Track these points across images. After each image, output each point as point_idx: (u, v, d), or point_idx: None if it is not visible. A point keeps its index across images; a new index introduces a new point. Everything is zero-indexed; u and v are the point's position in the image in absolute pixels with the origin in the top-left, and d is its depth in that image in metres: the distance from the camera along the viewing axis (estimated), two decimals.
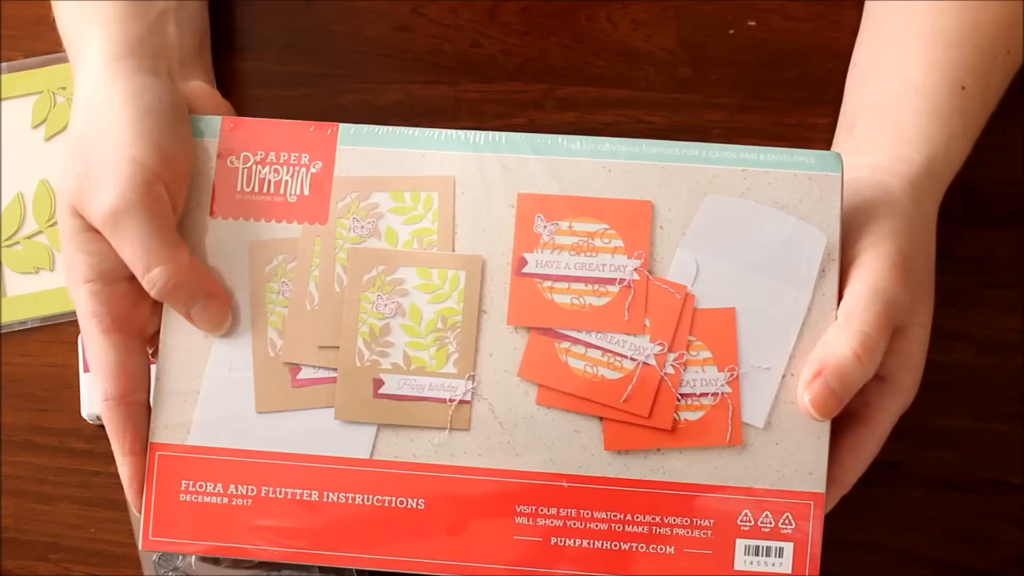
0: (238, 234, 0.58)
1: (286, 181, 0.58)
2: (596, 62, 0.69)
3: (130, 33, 0.59)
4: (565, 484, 0.56)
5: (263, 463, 0.57)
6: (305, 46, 0.70)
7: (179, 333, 0.57)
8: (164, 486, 0.57)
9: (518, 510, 0.56)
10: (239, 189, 0.58)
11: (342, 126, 0.58)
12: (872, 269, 0.55)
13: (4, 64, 0.69)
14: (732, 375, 0.56)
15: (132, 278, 0.57)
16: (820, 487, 0.55)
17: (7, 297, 0.67)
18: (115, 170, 0.55)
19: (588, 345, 0.56)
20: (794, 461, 0.55)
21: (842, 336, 0.54)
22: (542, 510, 0.56)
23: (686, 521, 0.55)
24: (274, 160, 0.58)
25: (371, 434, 0.56)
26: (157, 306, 0.58)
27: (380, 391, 0.57)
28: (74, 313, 0.66)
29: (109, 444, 0.65)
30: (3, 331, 0.67)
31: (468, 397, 0.56)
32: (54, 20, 0.66)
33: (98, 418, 0.64)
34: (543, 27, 0.70)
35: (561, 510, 0.56)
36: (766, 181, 0.57)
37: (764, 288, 0.56)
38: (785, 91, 0.69)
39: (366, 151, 0.58)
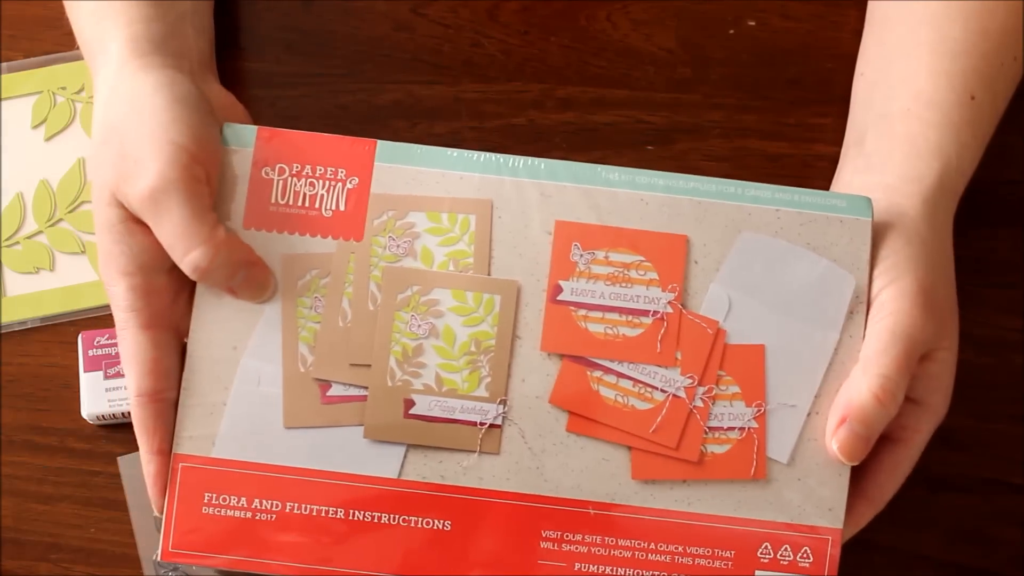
0: (271, 247, 0.57)
1: (322, 195, 0.58)
2: (596, 62, 0.69)
3: (154, 32, 0.60)
4: (592, 511, 0.56)
5: (288, 479, 0.56)
6: (305, 46, 0.70)
7: (208, 344, 0.57)
8: (186, 498, 0.56)
9: (544, 535, 0.56)
10: (273, 201, 0.58)
11: (380, 143, 0.58)
12: (893, 309, 0.56)
13: (4, 64, 0.69)
14: (759, 411, 0.57)
15: (170, 271, 0.57)
16: (838, 523, 0.56)
17: (7, 297, 0.67)
18: (153, 152, 0.55)
19: (620, 375, 0.57)
20: (815, 497, 0.56)
21: (863, 380, 0.55)
22: (567, 536, 0.56)
23: (708, 552, 0.56)
24: (310, 173, 0.58)
25: (400, 454, 0.56)
26: (192, 302, 0.57)
27: (411, 411, 0.57)
28: (74, 313, 0.66)
29: (109, 444, 0.65)
30: (3, 331, 0.67)
31: (499, 421, 0.56)
32: (54, 20, 0.67)
33: (99, 418, 0.64)
34: (543, 27, 0.70)
35: (587, 536, 0.56)
36: (799, 222, 0.57)
37: (793, 327, 0.57)
38: (785, 91, 0.69)
39: (404, 169, 0.58)
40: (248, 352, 0.57)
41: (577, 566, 0.56)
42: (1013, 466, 0.65)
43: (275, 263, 0.57)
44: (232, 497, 0.56)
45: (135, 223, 0.56)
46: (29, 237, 0.68)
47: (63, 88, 0.69)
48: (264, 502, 0.56)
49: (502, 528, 0.56)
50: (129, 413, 0.64)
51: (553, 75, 0.69)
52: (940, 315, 0.57)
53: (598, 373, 0.57)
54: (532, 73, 0.69)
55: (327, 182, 0.58)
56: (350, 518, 0.56)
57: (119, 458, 0.65)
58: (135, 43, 0.59)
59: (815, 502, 0.56)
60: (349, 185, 0.58)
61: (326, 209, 0.58)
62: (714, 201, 0.58)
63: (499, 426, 0.56)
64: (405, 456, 0.56)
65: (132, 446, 0.65)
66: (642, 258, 0.57)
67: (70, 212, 0.68)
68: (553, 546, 0.56)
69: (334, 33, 0.70)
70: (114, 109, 0.57)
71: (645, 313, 0.57)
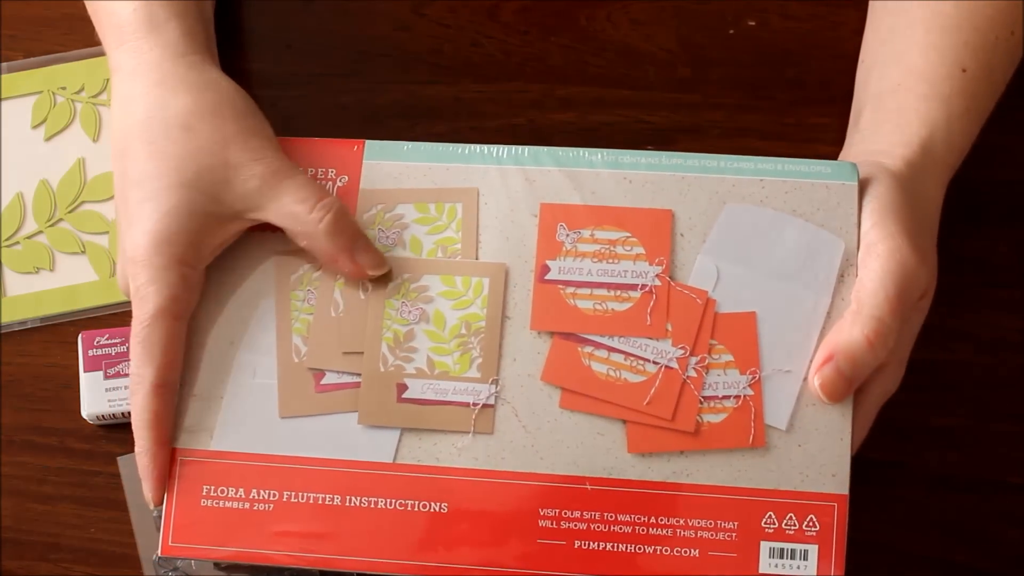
0: (266, 246, 0.58)
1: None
2: (596, 62, 0.69)
3: (207, 33, 0.62)
4: (588, 487, 0.56)
5: (285, 468, 0.56)
6: (305, 46, 0.70)
7: (204, 339, 0.57)
8: (185, 491, 0.56)
9: (542, 513, 0.56)
10: None
11: (368, 142, 0.59)
12: (881, 250, 0.55)
13: (4, 64, 0.70)
14: (754, 378, 0.56)
15: (203, 271, 0.57)
16: (843, 488, 0.55)
17: (7, 297, 0.67)
18: (262, 142, 0.57)
19: (611, 349, 0.57)
20: (817, 463, 0.56)
21: (855, 321, 0.55)
22: (565, 513, 0.56)
23: (710, 524, 0.56)
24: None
25: (394, 438, 0.56)
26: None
27: (404, 396, 0.57)
28: (74, 313, 0.66)
29: (109, 444, 0.65)
30: (3, 331, 0.67)
31: (492, 401, 0.57)
32: (54, 20, 0.67)
33: (98, 418, 0.64)
34: (543, 27, 0.70)
35: (585, 513, 0.56)
36: (784, 190, 0.57)
37: (784, 293, 0.57)
38: (785, 91, 0.69)
39: (392, 165, 0.59)
40: (243, 346, 0.57)
41: (577, 543, 0.56)
42: (1013, 466, 0.65)
43: (268, 262, 0.58)
44: (230, 489, 0.56)
45: (213, 216, 0.56)
46: (29, 237, 0.68)
47: (63, 88, 0.69)
48: (262, 492, 0.56)
49: (499, 508, 0.56)
50: (129, 413, 0.64)
51: (553, 75, 0.69)
52: (928, 261, 0.56)
53: (589, 348, 0.57)
54: (532, 73, 0.69)
55: (318, 182, 0.58)
56: (347, 504, 0.56)
57: (119, 458, 0.65)
58: (194, 37, 0.60)
59: (817, 468, 0.56)
60: (339, 183, 0.59)
61: None
62: (697, 175, 0.58)
63: (492, 406, 0.56)
64: (400, 440, 0.56)
65: (132, 446, 0.65)
66: (628, 234, 0.58)
67: (70, 212, 0.68)
68: (552, 524, 0.56)
69: (334, 33, 0.70)
70: (193, 97, 0.57)
71: (633, 287, 0.57)
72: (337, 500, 0.56)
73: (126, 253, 0.57)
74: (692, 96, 0.69)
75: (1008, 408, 0.65)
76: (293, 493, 0.56)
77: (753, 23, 0.70)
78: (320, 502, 0.56)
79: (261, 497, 0.56)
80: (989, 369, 0.65)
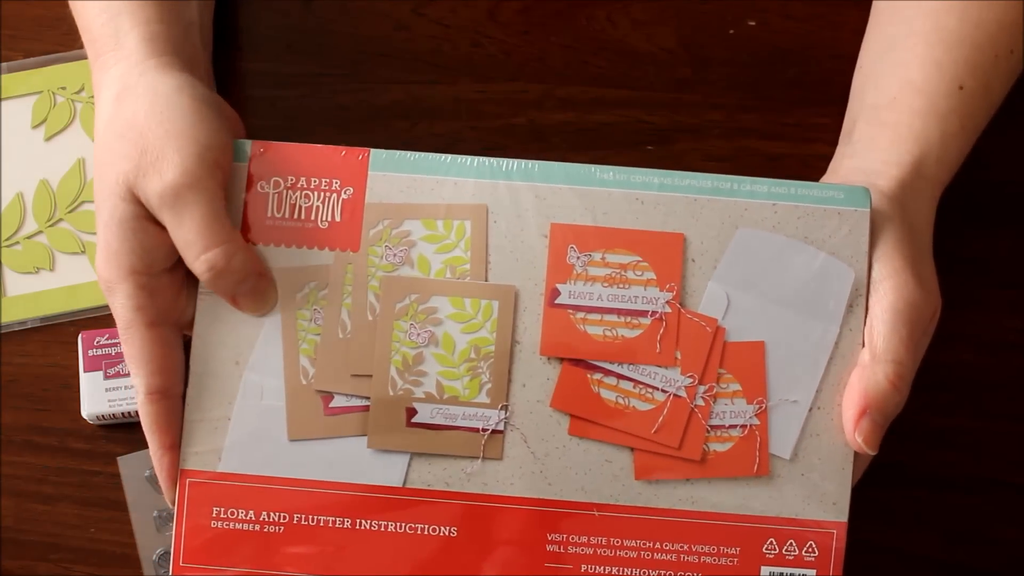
0: (269, 260, 0.57)
1: (317, 207, 0.58)
2: (596, 62, 0.69)
3: (171, 36, 0.60)
4: (596, 513, 0.56)
5: (295, 490, 0.56)
6: (305, 46, 0.70)
7: (210, 360, 0.57)
8: (195, 512, 0.56)
9: (549, 538, 0.56)
10: (270, 215, 0.58)
11: (373, 152, 0.58)
12: (890, 287, 0.56)
13: (4, 64, 0.70)
14: (760, 407, 0.57)
15: (172, 269, 0.57)
16: (843, 516, 0.56)
17: (7, 297, 0.67)
18: (179, 148, 0.55)
19: (620, 377, 0.57)
20: (819, 492, 0.56)
21: (877, 369, 0.55)
22: (573, 538, 0.56)
23: (713, 549, 0.56)
24: (305, 185, 0.58)
25: (404, 462, 0.56)
26: (191, 296, 0.57)
27: (413, 420, 0.57)
28: (74, 313, 0.66)
29: (109, 444, 0.65)
30: (3, 331, 0.67)
31: (501, 427, 0.57)
32: (54, 20, 0.67)
33: (98, 418, 0.64)
34: (543, 27, 0.70)
35: (591, 538, 0.56)
36: (796, 215, 0.57)
37: (793, 322, 0.57)
38: (785, 91, 0.69)
39: (398, 177, 0.58)
40: (250, 366, 0.57)
41: (583, 567, 0.56)
42: (1013, 466, 0.65)
43: (273, 276, 0.57)
44: (240, 510, 0.56)
45: (147, 220, 0.56)
46: (29, 237, 0.68)
47: (63, 88, 0.69)
48: (272, 514, 0.56)
49: (508, 533, 0.56)
50: (129, 413, 0.64)
51: (553, 75, 0.69)
52: (929, 286, 0.57)
53: (598, 375, 0.57)
54: (532, 73, 0.69)
55: (322, 193, 0.58)
56: (357, 527, 0.56)
57: (119, 458, 0.65)
58: (153, 42, 0.59)
59: (819, 497, 0.56)
60: (344, 195, 0.58)
61: (322, 220, 0.58)
62: (710, 198, 0.57)
63: (501, 431, 0.56)
64: (409, 464, 0.56)
65: (132, 446, 0.65)
66: (639, 258, 0.57)
67: (70, 212, 0.68)
68: (559, 548, 0.56)
69: (334, 33, 0.70)
70: (132, 104, 0.57)
71: (644, 314, 0.57)
72: (347, 523, 0.56)
73: None
74: (692, 96, 0.69)
75: (1008, 408, 0.65)
76: (303, 516, 0.56)
77: (753, 23, 0.70)
78: (330, 525, 0.56)
79: (271, 519, 0.56)
80: (989, 369, 0.65)
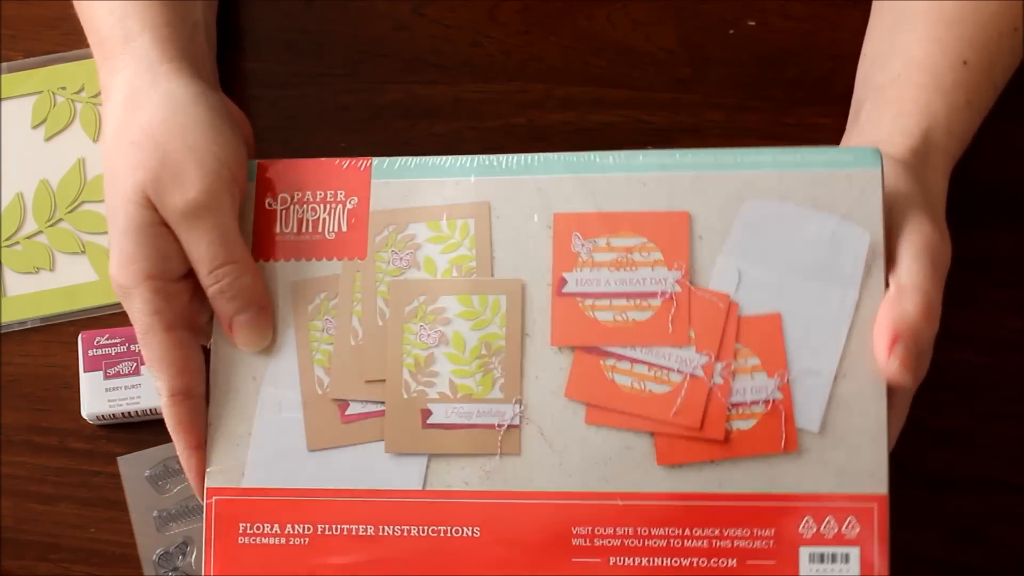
0: (280, 275, 0.58)
1: (323, 219, 0.58)
2: (596, 62, 0.69)
3: (180, 39, 0.60)
4: (620, 502, 0.55)
5: (317, 501, 0.56)
6: (305, 46, 0.70)
7: (228, 377, 0.57)
8: (223, 530, 0.56)
9: (574, 532, 0.55)
10: (279, 231, 0.58)
11: (375, 160, 0.58)
12: (909, 230, 0.55)
13: (4, 64, 0.70)
14: (782, 381, 0.55)
15: (187, 275, 0.57)
16: (882, 488, 0.54)
17: (7, 297, 0.67)
18: (199, 164, 0.55)
19: (634, 361, 0.56)
20: (853, 463, 0.54)
21: (905, 299, 0.53)
22: (598, 530, 0.55)
23: (746, 532, 0.55)
24: (311, 199, 0.58)
25: (422, 465, 0.56)
26: (206, 301, 0.57)
27: (428, 421, 0.56)
28: (74, 313, 0.66)
29: (109, 444, 0.65)
30: (3, 331, 0.67)
31: (516, 421, 0.56)
32: (54, 20, 0.67)
33: (98, 418, 0.64)
34: (543, 27, 0.70)
35: (618, 529, 0.55)
36: (804, 182, 0.56)
37: (809, 291, 0.55)
38: (785, 91, 0.69)
39: (400, 183, 0.58)
40: (267, 380, 0.57)
41: (612, 560, 0.55)
42: (1013, 466, 0.65)
43: (284, 291, 0.57)
44: (266, 525, 0.56)
45: (163, 227, 0.56)
46: (29, 237, 0.68)
47: (63, 88, 0.69)
48: (296, 527, 0.56)
49: (532, 529, 0.55)
50: (129, 413, 0.64)
51: (553, 75, 0.69)
52: (947, 239, 0.56)
53: (611, 361, 0.56)
54: (532, 73, 0.69)
55: (328, 205, 0.58)
56: (380, 534, 0.56)
57: (119, 458, 0.65)
58: (163, 46, 0.59)
59: (854, 468, 0.54)
60: (349, 205, 0.58)
61: (329, 232, 0.58)
62: (713, 173, 0.56)
63: (517, 426, 0.56)
64: (427, 466, 0.56)
65: (132, 446, 0.65)
66: (644, 239, 0.56)
67: (70, 212, 0.68)
68: (585, 542, 0.55)
69: (334, 33, 0.70)
70: (148, 112, 0.57)
71: (653, 295, 0.56)
72: (370, 530, 0.56)
73: None
74: (692, 96, 0.69)
75: (1008, 408, 0.65)
76: (327, 526, 0.56)
77: (753, 23, 0.70)
78: (354, 533, 0.56)
79: (296, 532, 0.56)
80: (989, 369, 0.65)
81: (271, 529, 0.56)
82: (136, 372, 0.64)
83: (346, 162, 0.58)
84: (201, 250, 0.55)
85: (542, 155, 0.57)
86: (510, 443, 0.56)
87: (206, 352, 0.58)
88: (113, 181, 0.57)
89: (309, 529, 0.56)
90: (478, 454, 0.56)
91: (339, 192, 0.58)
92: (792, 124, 0.68)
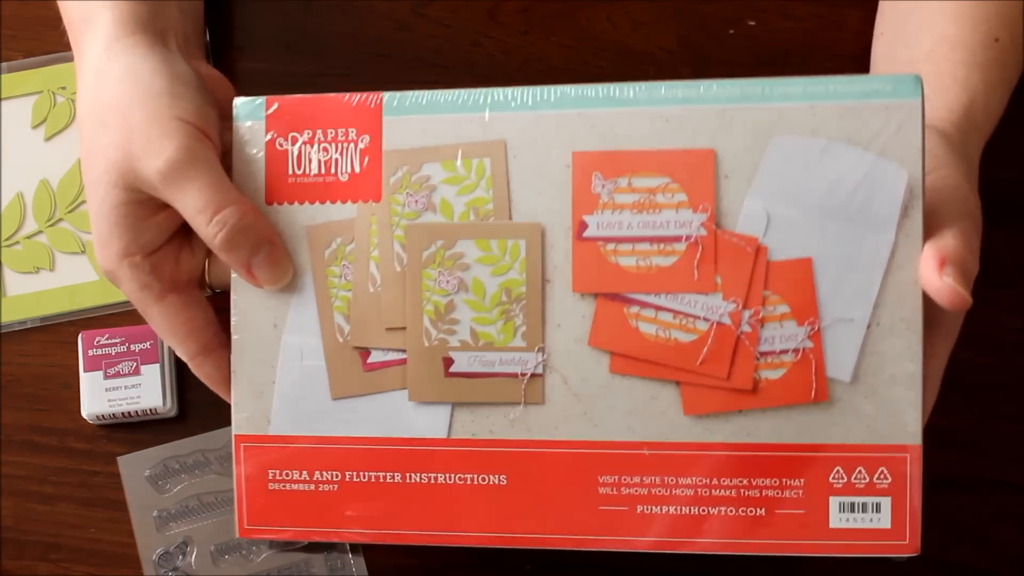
0: (295, 219, 0.57)
1: (336, 159, 0.57)
2: (596, 62, 0.69)
3: (140, 10, 0.59)
4: (646, 452, 0.55)
5: (344, 448, 0.56)
6: (305, 46, 0.70)
7: (249, 327, 0.57)
8: (253, 476, 0.57)
9: (601, 480, 0.55)
10: (291, 172, 0.57)
11: (386, 95, 0.57)
12: (950, 192, 0.54)
13: (4, 64, 0.70)
14: (813, 329, 0.53)
15: (166, 242, 0.57)
16: (916, 439, 0.53)
17: (7, 297, 0.67)
18: (165, 131, 0.55)
19: (658, 308, 0.54)
20: (885, 413, 0.53)
21: (947, 233, 0.52)
22: (625, 479, 0.55)
23: (775, 482, 0.54)
24: (322, 138, 0.57)
25: (446, 413, 0.56)
26: (198, 252, 0.58)
27: (451, 370, 0.56)
28: (74, 313, 0.66)
29: (109, 444, 0.65)
30: (3, 331, 0.67)
31: (540, 370, 0.55)
32: (54, 20, 0.66)
33: (98, 418, 0.64)
34: (543, 27, 0.70)
35: (645, 478, 0.55)
36: (837, 115, 0.53)
37: (842, 234, 0.53)
38: None
39: (412, 120, 0.56)
40: (288, 328, 0.57)
41: (640, 508, 0.55)
42: (1013, 466, 0.65)
43: (300, 235, 0.57)
44: (295, 472, 0.57)
45: (138, 205, 0.56)
46: (29, 237, 0.68)
47: (63, 88, 0.69)
48: (325, 473, 0.56)
49: (558, 478, 0.55)
50: (129, 413, 0.64)
51: (553, 75, 0.69)
52: (981, 213, 0.55)
53: (635, 309, 0.54)
54: (532, 73, 0.69)
55: (339, 144, 0.57)
56: (407, 481, 0.56)
57: (119, 458, 0.65)
58: (123, 21, 0.58)
59: (886, 419, 0.53)
60: (361, 144, 0.57)
61: (342, 173, 0.57)
62: (740, 106, 0.54)
63: (540, 375, 0.55)
64: (452, 415, 0.56)
65: (132, 446, 0.65)
66: (668, 179, 0.54)
67: (70, 212, 0.68)
68: (612, 491, 0.55)
69: (334, 33, 0.70)
70: (110, 89, 0.56)
71: (678, 239, 0.54)
72: (397, 477, 0.56)
73: None
74: None
75: (1008, 408, 0.65)
76: (354, 473, 0.56)
77: (753, 23, 0.70)
78: (382, 480, 0.56)
79: (325, 478, 0.56)
80: (989, 369, 0.65)
81: (300, 476, 0.57)
82: (136, 372, 0.64)
83: (356, 97, 0.57)
84: (195, 200, 0.54)
85: (558, 88, 0.55)
86: (533, 392, 0.55)
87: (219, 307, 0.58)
88: (87, 165, 0.57)
89: (337, 476, 0.56)
90: (502, 403, 0.56)
91: (350, 130, 0.57)
92: None
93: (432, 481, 0.56)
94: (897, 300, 0.53)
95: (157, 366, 0.64)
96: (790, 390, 0.54)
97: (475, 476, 0.56)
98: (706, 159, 0.54)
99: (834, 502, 0.54)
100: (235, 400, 0.57)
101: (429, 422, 0.56)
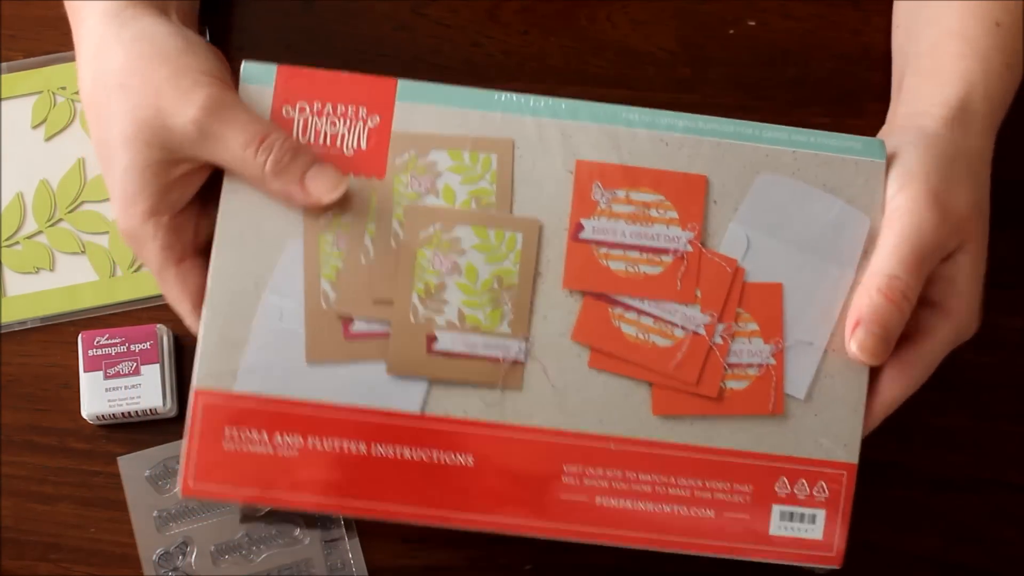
0: None
1: (343, 134, 0.57)
2: (596, 62, 0.69)
3: None
4: (612, 447, 0.57)
5: (310, 414, 0.56)
6: (305, 46, 0.70)
7: (229, 279, 0.56)
8: (207, 433, 0.56)
9: (565, 470, 0.56)
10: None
11: (401, 81, 0.58)
12: (902, 212, 0.57)
13: (4, 64, 0.69)
14: (777, 348, 0.57)
15: (188, 206, 0.57)
16: (854, 458, 0.57)
17: (7, 297, 0.67)
18: (195, 80, 0.55)
19: (641, 312, 0.57)
20: (831, 432, 0.57)
21: (870, 283, 0.56)
22: (589, 470, 0.57)
23: (727, 486, 0.57)
24: (331, 112, 0.57)
25: (423, 390, 0.56)
26: (206, 224, 0.57)
27: (434, 347, 0.57)
28: (74, 313, 0.66)
29: (109, 444, 0.65)
30: (3, 331, 0.67)
31: (522, 358, 0.57)
32: (54, 20, 0.67)
33: (98, 418, 0.64)
34: (543, 27, 0.70)
35: (607, 471, 0.57)
36: (816, 163, 0.58)
37: (810, 266, 0.58)
38: (785, 91, 0.69)
39: (425, 108, 0.58)
40: (270, 288, 0.56)
41: (598, 500, 0.56)
42: (1013, 466, 0.65)
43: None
44: (253, 431, 0.56)
45: (168, 164, 0.56)
46: (29, 237, 0.68)
47: (63, 88, 0.69)
48: (286, 437, 0.56)
49: (524, 463, 0.56)
50: (129, 413, 0.64)
51: (553, 75, 0.69)
52: (956, 219, 0.57)
53: (619, 310, 0.57)
54: (532, 73, 0.69)
55: (348, 120, 0.57)
56: (372, 453, 0.56)
57: (119, 458, 0.65)
58: None
59: (831, 437, 0.57)
60: (370, 124, 0.57)
61: (347, 148, 0.57)
62: (733, 142, 0.58)
63: (522, 362, 0.57)
64: (428, 391, 0.56)
65: (132, 446, 0.65)
66: (662, 197, 0.58)
67: (70, 212, 0.68)
68: (574, 481, 0.56)
69: (334, 33, 0.70)
70: (124, 53, 0.56)
71: (665, 251, 0.58)
72: (362, 448, 0.56)
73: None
74: (692, 96, 0.69)
75: (1008, 408, 0.65)
76: (318, 440, 0.56)
77: (753, 23, 0.70)
78: (344, 449, 0.56)
79: (285, 442, 0.56)
80: (989, 369, 0.65)
81: (259, 437, 0.56)
82: (136, 372, 0.64)
83: (371, 79, 0.58)
84: (237, 137, 0.55)
85: (569, 101, 0.58)
86: (513, 378, 0.57)
87: None
88: (105, 128, 0.57)
89: (299, 442, 0.56)
90: (480, 385, 0.56)
91: (361, 108, 0.58)
92: (792, 124, 0.68)
93: (398, 456, 0.56)
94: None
95: (157, 366, 0.64)
96: (751, 401, 0.57)
97: (442, 454, 0.56)
98: (698, 183, 0.58)
99: (776, 510, 0.57)
100: (201, 352, 0.56)
101: (404, 396, 0.56)
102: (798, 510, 0.57)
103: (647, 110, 0.58)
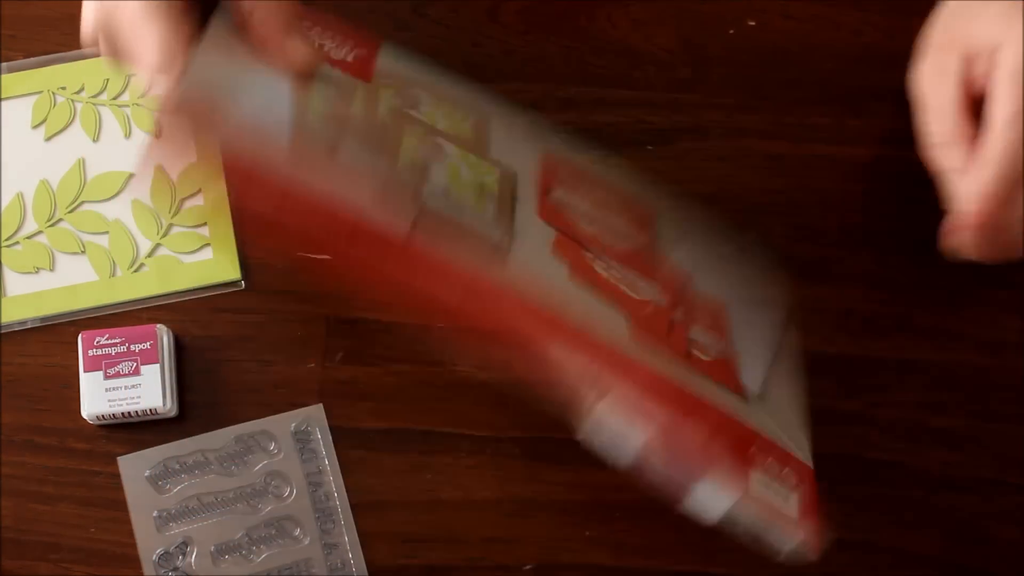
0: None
1: (331, 47, 0.57)
2: (596, 62, 0.69)
3: None
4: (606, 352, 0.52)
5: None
6: None
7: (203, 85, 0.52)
8: None
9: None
10: None
11: (385, 45, 0.59)
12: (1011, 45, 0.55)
13: (4, 64, 0.69)
14: (730, 348, 0.57)
15: None
16: (809, 463, 0.55)
17: (7, 297, 0.67)
18: None
19: (610, 266, 0.56)
20: (788, 432, 0.55)
21: (971, 176, 0.55)
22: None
23: (706, 429, 0.52)
24: (320, 33, 0.57)
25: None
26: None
27: (420, 198, 0.53)
28: (74, 313, 0.66)
29: (109, 444, 0.65)
30: (3, 331, 0.67)
31: (504, 246, 0.54)
32: (54, 20, 0.67)
33: (98, 418, 0.64)
34: (543, 27, 0.70)
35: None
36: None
37: (743, 310, 0.59)
38: (785, 91, 0.69)
39: (407, 67, 0.59)
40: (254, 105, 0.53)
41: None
42: (1013, 466, 0.64)
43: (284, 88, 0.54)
44: None
45: None
46: (29, 237, 0.68)
47: (63, 88, 0.69)
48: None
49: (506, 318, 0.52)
50: (129, 413, 0.64)
51: (553, 75, 0.69)
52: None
53: (591, 255, 0.56)
54: (532, 73, 0.69)
55: (336, 43, 0.57)
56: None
57: (119, 458, 0.65)
58: None
59: (789, 436, 0.55)
60: (357, 53, 0.58)
61: (334, 56, 0.57)
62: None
63: (507, 251, 0.54)
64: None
65: (132, 446, 0.65)
66: (620, 211, 0.59)
67: (70, 212, 0.68)
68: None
69: None
70: None
71: (625, 238, 0.58)
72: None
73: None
74: (692, 96, 0.69)
75: (1008, 408, 0.65)
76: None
77: (753, 23, 0.70)
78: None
79: None
80: (989, 369, 0.65)
81: None
82: (136, 372, 0.64)
83: (359, 29, 0.58)
84: None
85: (542, 127, 0.60)
86: (499, 258, 0.53)
87: None
88: None
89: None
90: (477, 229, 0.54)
91: (348, 42, 0.58)
92: (792, 124, 0.68)
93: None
94: (785, 378, 0.58)
95: (157, 366, 0.64)
96: (718, 371, 0.55)
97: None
98: (648, 214, 0.59)
99: (755, 475, 0.52)
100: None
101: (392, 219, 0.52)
102: (775, 484, 0.53)
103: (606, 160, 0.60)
